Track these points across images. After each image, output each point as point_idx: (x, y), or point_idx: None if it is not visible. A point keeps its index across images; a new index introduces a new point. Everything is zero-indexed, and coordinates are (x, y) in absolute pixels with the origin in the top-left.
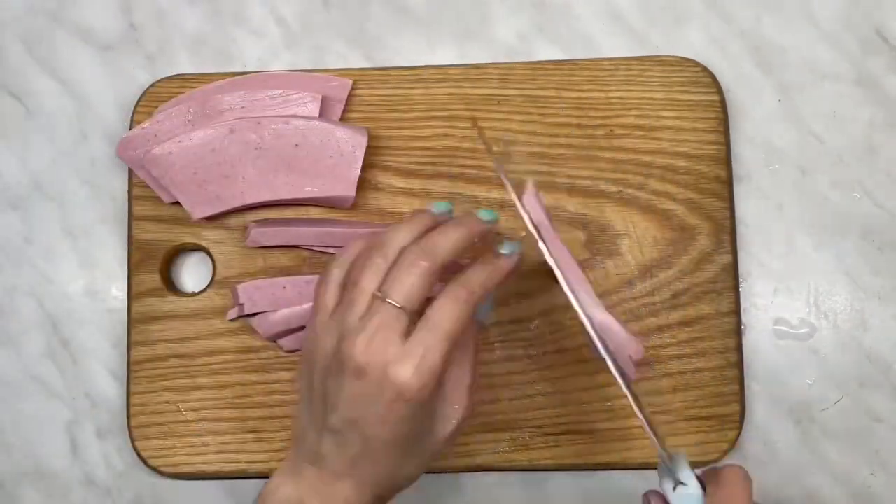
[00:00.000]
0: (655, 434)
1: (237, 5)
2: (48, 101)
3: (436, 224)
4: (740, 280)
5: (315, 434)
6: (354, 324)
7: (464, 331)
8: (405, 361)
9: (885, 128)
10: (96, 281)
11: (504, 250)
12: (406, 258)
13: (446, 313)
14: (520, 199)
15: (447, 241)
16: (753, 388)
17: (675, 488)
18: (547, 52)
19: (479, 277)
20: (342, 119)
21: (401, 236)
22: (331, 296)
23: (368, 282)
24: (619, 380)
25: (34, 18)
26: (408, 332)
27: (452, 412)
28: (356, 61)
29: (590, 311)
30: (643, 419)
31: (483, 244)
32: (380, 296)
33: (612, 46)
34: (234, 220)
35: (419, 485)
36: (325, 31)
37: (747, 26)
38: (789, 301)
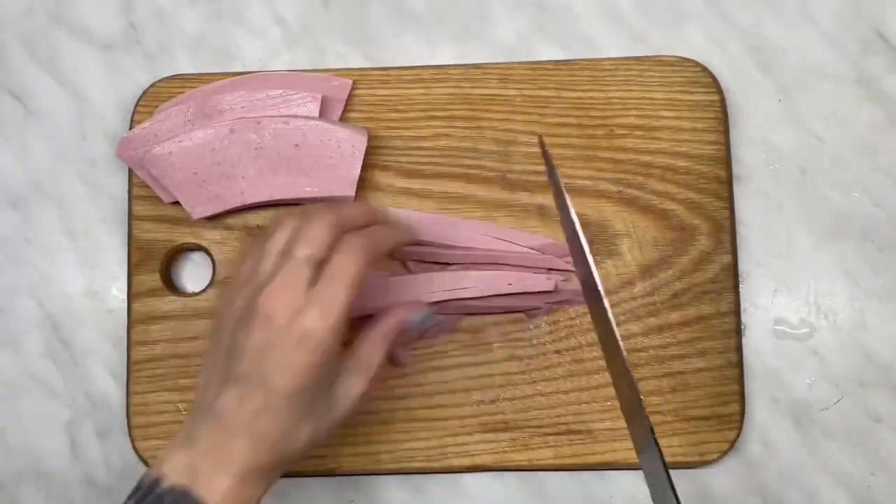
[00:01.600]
0: None
1: (237, 5)
2: (48, 101)
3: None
4: (740, 280)
5: (216, 389)
6: (264, 278)
7: (377, 297)
8: (311, 307)
9: (885, 128)
10: (96, 281)
11: None
12: (311, 217)
13: (345, 263)
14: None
15: (353, 208)
16: (753, 388)
17: None
18: (547, 52)
19: (379, 233)
20: (342, 119)
21: (316, 208)
22: (248, 265)
23: (277, 242)
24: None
25: (34, 18)
26: (313, 283)
27: (355, 384)
28: (356, 61)
29: None
30: None
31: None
32: (287, 252)
33: (612, 46)
34: (234, 220)
35: (420, 485)
36: (325, 32)
37: (747, 26)
38: (789, 301)
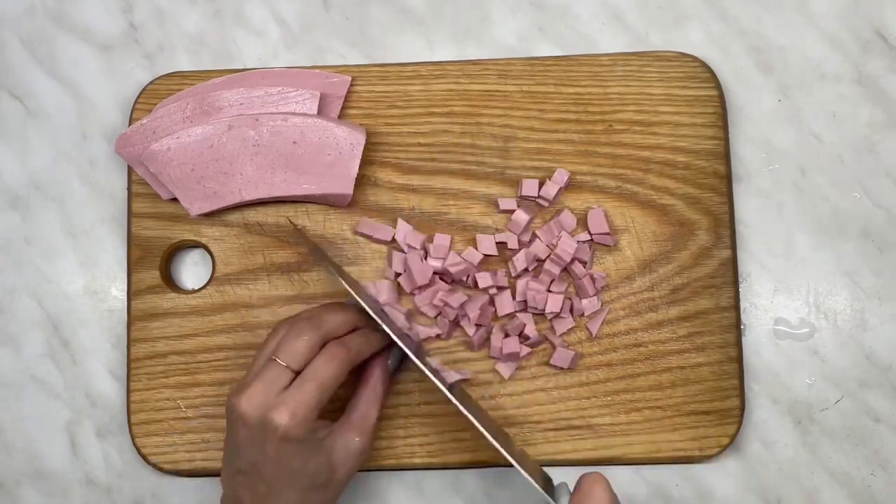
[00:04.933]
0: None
1: (237, 5)
2: (48, 101)
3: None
4: (740, 280)
5: (231, 479)
6: (248, 381)
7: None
8: (281, 407)
9: (884, 128)
10: (96, 280)
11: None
12: (295, 328)
13: (321, 368)
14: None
15: (334, 318)
16: (753, 387)
17: None
18: (547, 52)
19: (356, 343)
20: (341, 116)
21: (305, 318)
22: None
23: (269, 348)
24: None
25: (34, 18)
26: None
27: (354, 443)
28: (356, 61)
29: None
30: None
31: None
32: (273, 358)
33: (612, 47)
34: (232, 217)
35: (420, 481)
36: (324, 32)
37: (747, 26)
38: (789, 301)
